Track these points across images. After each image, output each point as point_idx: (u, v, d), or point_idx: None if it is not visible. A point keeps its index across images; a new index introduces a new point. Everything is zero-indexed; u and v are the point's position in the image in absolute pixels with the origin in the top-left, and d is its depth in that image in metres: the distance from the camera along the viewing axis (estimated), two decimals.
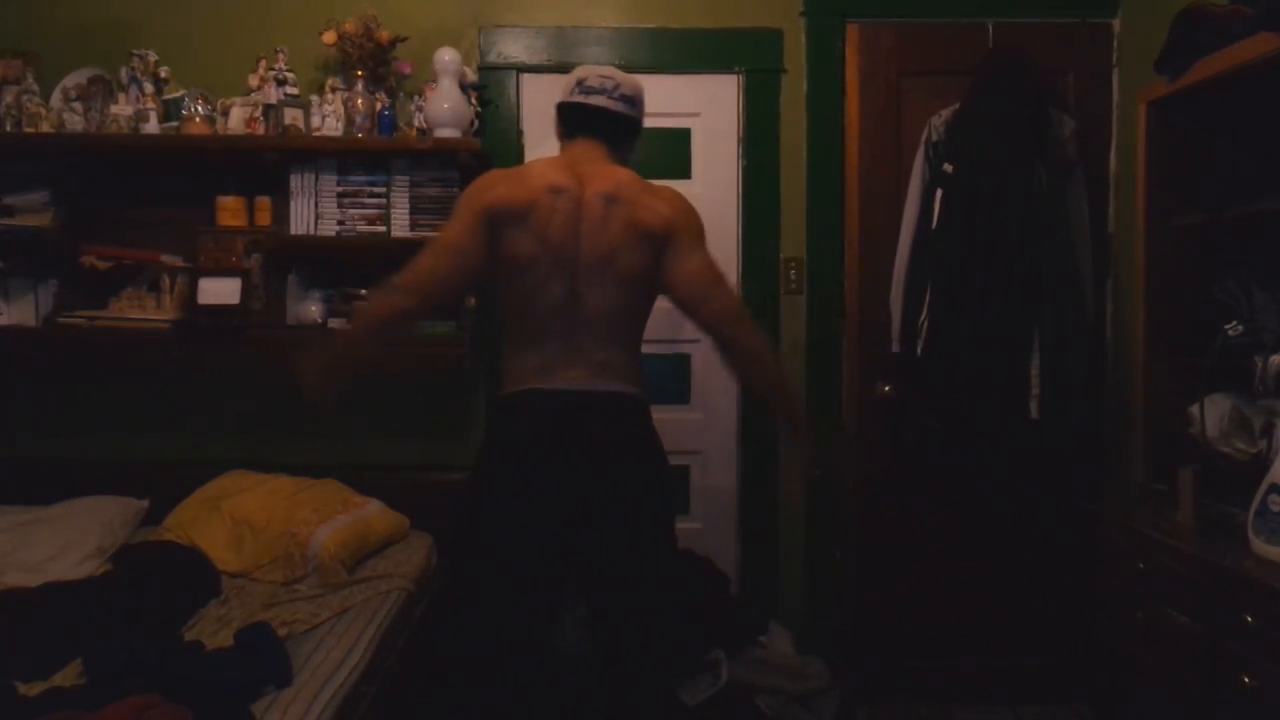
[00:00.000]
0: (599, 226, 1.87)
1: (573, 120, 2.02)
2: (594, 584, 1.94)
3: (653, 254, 1.90)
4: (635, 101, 2.03)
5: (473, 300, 2.72)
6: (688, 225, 1.93)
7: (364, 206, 2.74)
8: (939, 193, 2.62)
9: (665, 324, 2.93)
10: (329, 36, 2.72)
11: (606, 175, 1.92)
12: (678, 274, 1.90)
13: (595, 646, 2.00)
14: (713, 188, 3.00)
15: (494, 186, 1.91)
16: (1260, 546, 1.86)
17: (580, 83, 2.00)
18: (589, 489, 1.85)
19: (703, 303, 1.91)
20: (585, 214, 1.88)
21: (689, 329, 2.93)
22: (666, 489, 2.00)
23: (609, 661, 1.94)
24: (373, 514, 2.63)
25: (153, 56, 2.76)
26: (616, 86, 1.99)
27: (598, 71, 2.03)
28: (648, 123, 2.94)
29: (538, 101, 2.94)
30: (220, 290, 2.67)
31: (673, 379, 3.00)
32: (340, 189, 2.74)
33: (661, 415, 2.76)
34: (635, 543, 1.89)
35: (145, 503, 2.76)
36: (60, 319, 2.72)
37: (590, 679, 1.99)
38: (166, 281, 2.75)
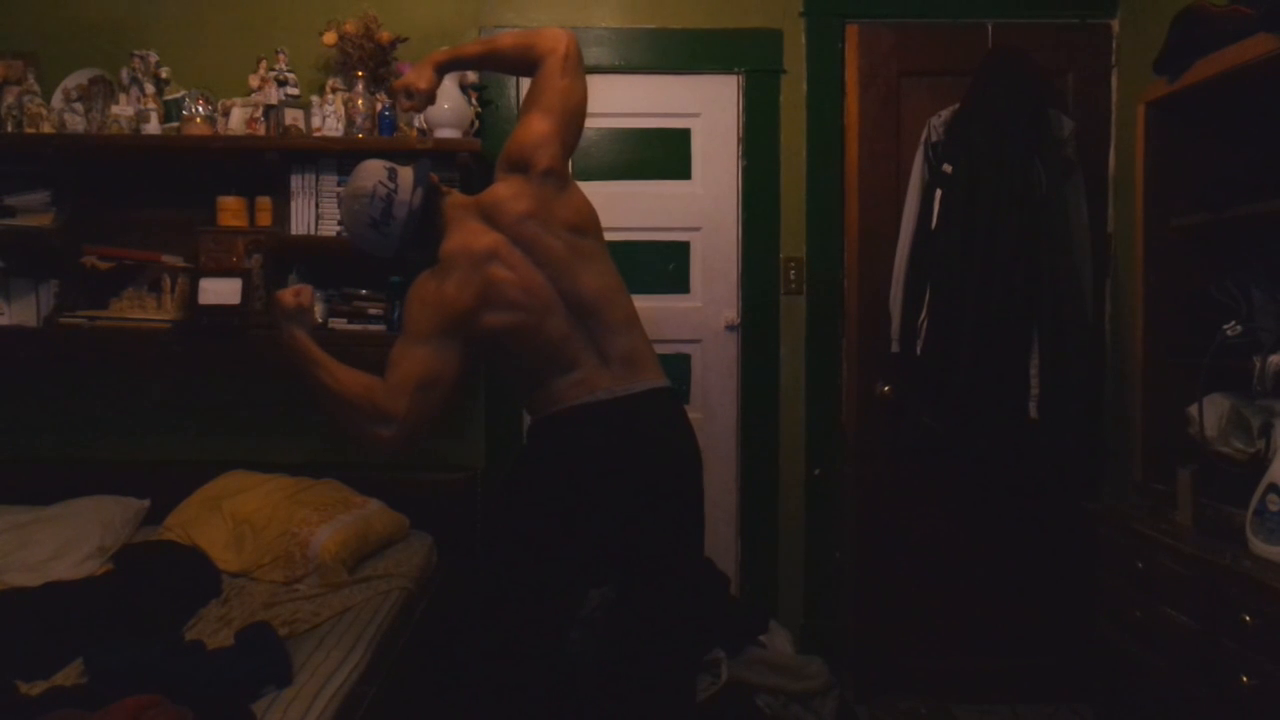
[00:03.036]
0: (543, 234, 1.84)
1: (426, 206, 1.90)
2: (646, 588, 1.87)
3: (580, 203, 1.90)
4: (384, 184, 1.88)
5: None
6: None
7: None
8: (938, 193, 2.62)
9: (666, 324, 2.95)
10: (329, 37, 2.72)
11: (511, 198, 1.86)
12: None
13: (598, 646, 1.98)
14: (713, 188, 3.00)
15: (455, 301, 1.79)
16: (1259, 546, 1.86)
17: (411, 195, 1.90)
18: (668, 498, 1.81)
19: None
20: (530, 245, 1.83)
21: (690, 330, 2.97)
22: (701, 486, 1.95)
23: (638, 661, 1.88)
24: (373, 514, 2.63)
25: (154, 57, 2.77)
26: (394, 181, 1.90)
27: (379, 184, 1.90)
28: (648, 123, 3.01)
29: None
30: (221, 290, 2.67)
31: (673, 379, 2.98)
32: (341, 189, 2.74)
33: None
34: (694, 545, 1.89)
35: (146, 502, 2.76)
36: (61, 319, 2.72)
37: (593, 679, 1.96)
38: (167, 282, 2.76)
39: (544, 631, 1.86)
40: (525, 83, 2.91)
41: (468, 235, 1.84)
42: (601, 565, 1.86)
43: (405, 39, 2.76)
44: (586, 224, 1.90)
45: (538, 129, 1.89)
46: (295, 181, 2.73)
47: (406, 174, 1.89)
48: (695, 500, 1.89)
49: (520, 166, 1.88)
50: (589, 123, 2.93)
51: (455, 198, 1.95)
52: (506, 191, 1.88)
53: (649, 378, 1.87)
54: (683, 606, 1.91)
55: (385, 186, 1.85)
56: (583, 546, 1.82)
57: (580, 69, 1.96)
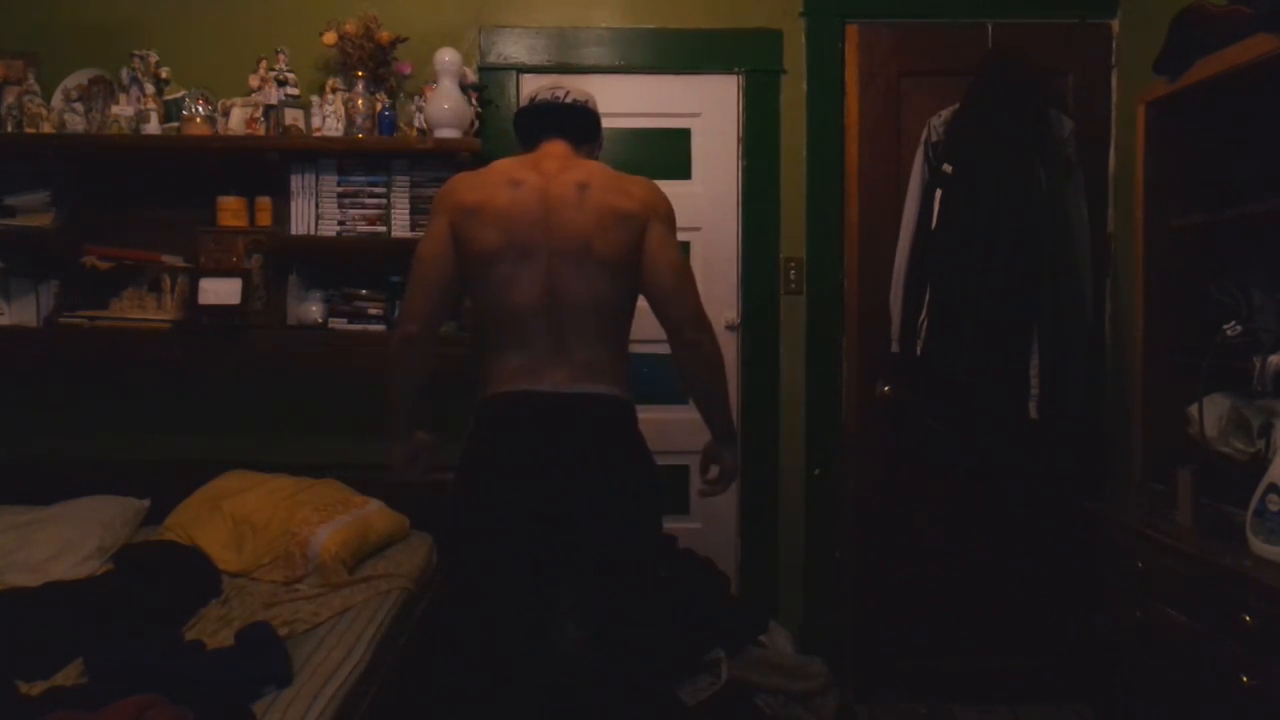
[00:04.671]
0: (573, 213, 1.85)
1: (531, 126, 2.02)
2: (581, 585, 1.92)
3: (630, 236, 1.87)
4: (588, 100, 2.05)
5: (469, 302, 2.72)
6: (664, 211, 1.92)
7: (364, 207, 2.75)
8: (938, 193, 2.62)
9: None
10: (329, 37, 2.72)
11: (576, 166, 1.92)
12: (653, 260, 1.87)
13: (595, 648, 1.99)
14: (713, 188, 3.00)
15: (454, 188, 1.92)
16: (1259, 546, 1.86)
17: (532, 98, 2.05)
18: (571, 490, 1.83)
19: (676, 295, 1.89)
20: (555, 202, 1.86)
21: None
22: (650, 491, 1.95)
23: (604, 662, 1.93)
24: (373, 514, 2.63)
25: (153, 57, 2.76)
26: (567, 93, 2.02)
27: (545, 84, 2.08)
28: (648, 123, 3.00)
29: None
30: (221, 290, 2.67)
31: (673, 379, 3.00)
32: (341, 189, 2.75)
33: (662, 415, 2.80)
34: (617, 545, 1.87)
35: (146, 502, 2.76)
36: (61, 319, 2.72)
37: (590, 680, 1.98)
38: (167, 281, 2.75)
39: (490, 610, 1.88)
40: (526, 82, 2.94)
41: (520, 162, 1.94)
42: (520, 551, 1.86)
43: (405, 39, 2.76)
44: (624, 261, 1.88)
45: (669, 258, 1.90)
46: (295, 181, 2.74)
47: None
48: (612, 498, 1.86)
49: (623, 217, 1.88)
50: None
51: (547, 147, 1.98)
52: (582, 170, 1.91)
53: (594, 384, 1.87)
54: (629, 609, 1.90)
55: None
56: (497, 531, 1.85)
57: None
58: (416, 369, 1.95)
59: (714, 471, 2.10)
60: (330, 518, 2.53)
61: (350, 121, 2.69)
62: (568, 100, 2.01)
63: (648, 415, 2.18)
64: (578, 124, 2.02)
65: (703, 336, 1.91)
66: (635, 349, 2.06)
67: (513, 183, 1.88)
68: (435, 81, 2.67)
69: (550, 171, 1.90)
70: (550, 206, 1.86)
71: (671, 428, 2.81)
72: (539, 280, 1.85)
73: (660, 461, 1.99)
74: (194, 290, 2.68)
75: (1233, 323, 2.08)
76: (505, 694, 1.88)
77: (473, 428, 1.92)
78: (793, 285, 2.96)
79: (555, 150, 1.96)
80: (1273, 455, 1.93)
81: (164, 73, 2.78)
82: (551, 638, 1.98)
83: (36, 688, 1.77)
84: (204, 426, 2.98)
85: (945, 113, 2.70)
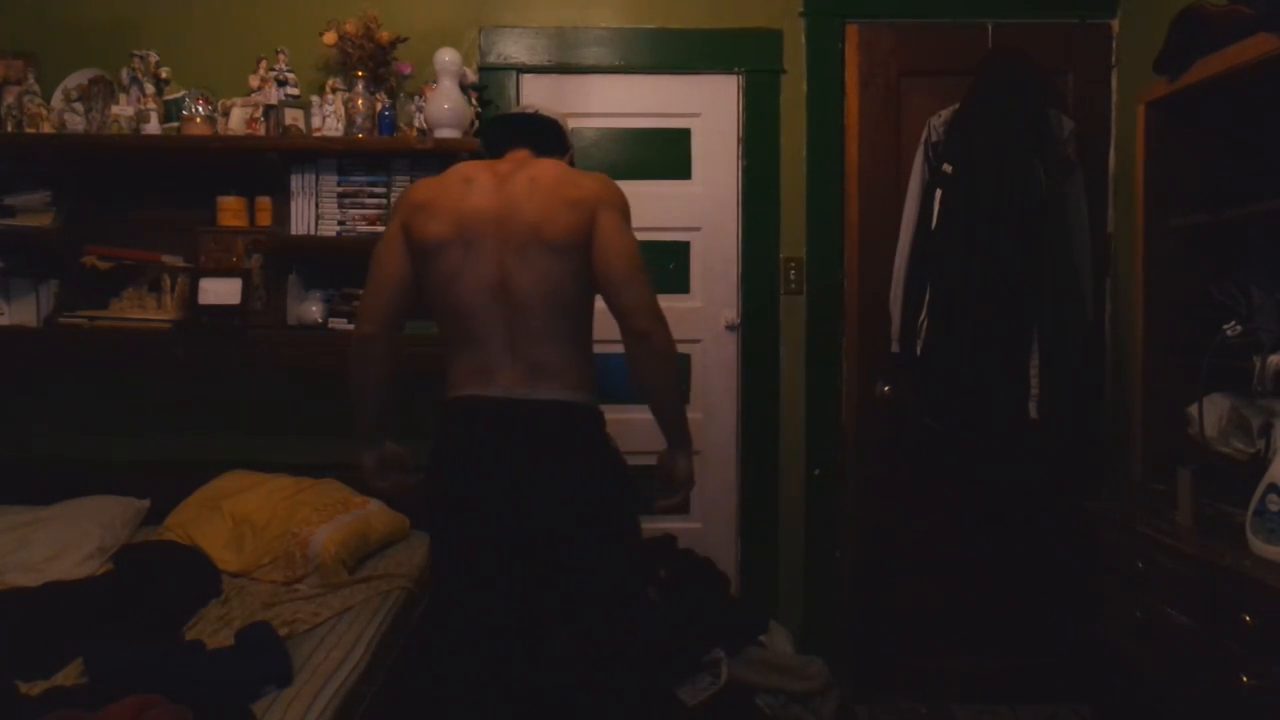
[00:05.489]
0: (523, 203, 1.82)
1: (499, 138, 2.03)
2: (564, 596, 1.89)
3: (579, 220, 1.82)
4: (554, 114, 2.07)
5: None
6: (615, 200, 1.88)
7: (364, 207, 2.75)
8: (938, 193, 2.62)
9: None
10: (329, 37, 2.72)
11: (532, 164, 1.91)
12: (603, 247, 1.82)
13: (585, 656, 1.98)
14: (713, 188, 3.00)
15: (411, 190, 1.92)
16: (1259, 546, 1.86)
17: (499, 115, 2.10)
18: (530, 505, 1.80)
19: (627, 282, 1.82)
20: (506, 196, 1.83)
21: (690, 330, 2.97)
22: (618, 502, 1.89)
23: (596, 668, 1.90)
24: (373, 514, 2.63)
25: (153, 57, 2.76)
26: (536, 109, 2.08)
27: (517, 108, 2.13)
28: (648, 123, 3.00)
29: (538, 102, 2.94)
30: (221, 290, 2.67)
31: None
32: (341, 189, 2.74)
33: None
34: (588, 561, 1.84)
35: (146, 502, 2.76)
36: (61, 319, 2.72)
37: (584, 683, 1.97)
38: (167, 281, 2.75)
39: (461, 612, 1.87)
40: (526, 82, 2.94)
41: (478, 165, 1.95)
42: (483, 554, 1.84)
43: (405, 39, 2.76)
44: (574, 246, 1.83)
45: (620, 246, 1.86)
46: (295, 181, 2.73)
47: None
48: (570, 503, 1.82)
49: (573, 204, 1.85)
50: (590, 123, 2.98)
51: (510, 156, 1.98)
52: (536, 166, 1.90)
53: (549, 388, 1.82)
54: (604, 616, 1.88)
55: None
56: (459, 537, 1.85)
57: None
58: (376, 370, 1.94)
59: (672, 493, 1.99)
60: (330, 518, 2.53)
61: (350, 121, 2.69)
62: (529, 111, 2.06)
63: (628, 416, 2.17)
64: (540, 133, 2.02)
65: (655, 328, 1.84)
66: (609, 348, 2.01)
67: (465, 179, 1.88)
68: (435, 81, 2.67)
69: (505, 171, 1.89)
70: (501, 200, 1.84)
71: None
72: (488, 272, 1.81)
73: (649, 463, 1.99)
74: (194, 290, 2.68)
75: (1232, 323, 2.08)
76: (483, 698, 1.87)
77: (435, 432, 1.90)
78: (793, 285, 2.96)
79: (517, 156, 1.96)
80: (1273, 455, 1.93)
81: (164, 73, 2.78)
82: (543, 642, 1.97)
83: (36, 688, 1.77)
84: (204, 426, 2.98)
85: (945, 113, 2.70)
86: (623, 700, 1.90)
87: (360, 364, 1.94)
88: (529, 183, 1.85)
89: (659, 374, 1.87)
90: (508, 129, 2.04)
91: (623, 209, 1.89)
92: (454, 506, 1.85)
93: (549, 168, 1.90)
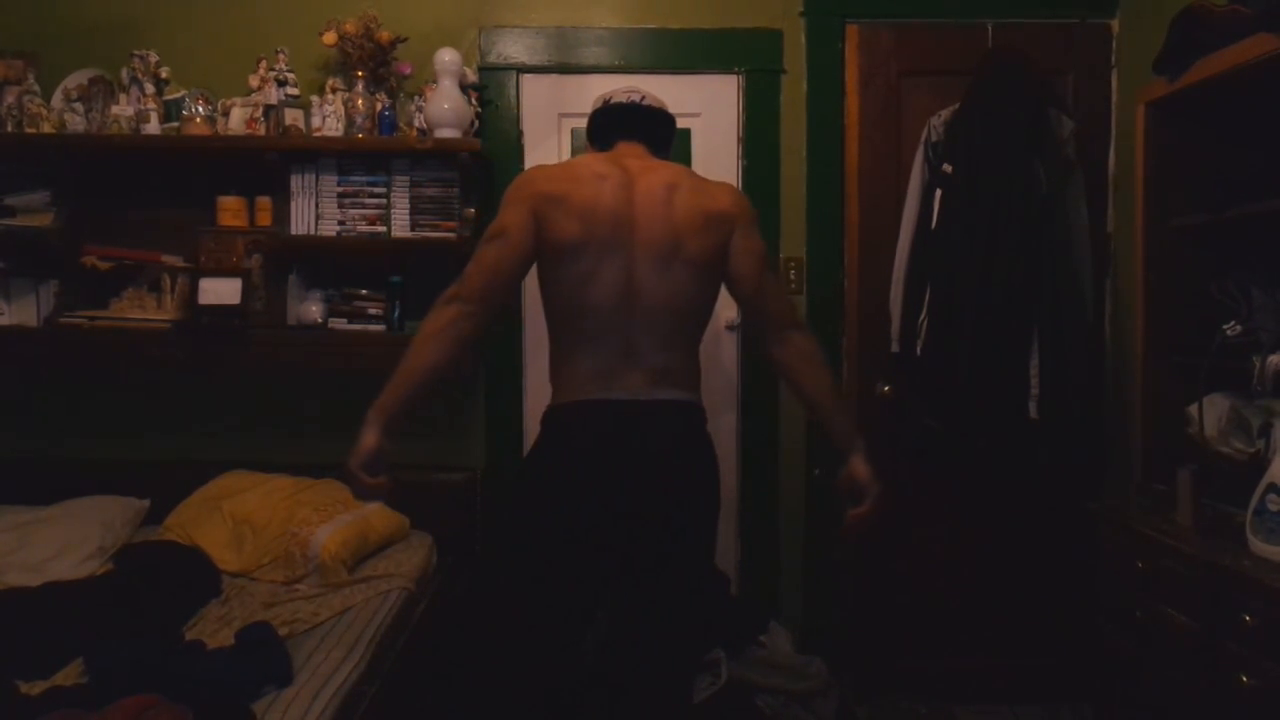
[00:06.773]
0: (661, 211, 1.81)
1: (608, 127, 2.01)
2: (633, 596, 1.85)
3: (720, 239, 1.84)
4: (665, 106, 2.07)
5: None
6: (751, 214, 1.92)
7: (364, 207, 2.74)
8: (938, 193, 2.62)
9: None
10: (329, 37, 2.72)
11: (660, 167, 1.91)
12: (744, 259, 1.86)
13: (605, 655, 1.96)
14: None
15: (535, 178, 1.88)
16: (1259, 546, 1.86)
17: (607, 99, 2.04)
18: (645, 503, 1.78)
19: (771, 291, 1.89)
20: (642, 200, 1.82)
21: None
22: (717, 503, 1.89)
23: (634, 671, 1.86)
24: (373, 513, 2.63)
25: (153, 57, 2.76)
26: (644, 96, 2.04)
27: (620, 87, 2.08)
28: None
29: (538, 102, 2.95)
30: (221, 290, 2.67)
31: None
32: (341, 189, 2.74)
33: None
34: (684, 557, 1.83)
35: (146, 502, 2.76)
36: (61, 319, 2.72)
37: (604, 688, 1.95)
38: (167, 281, 2.76)
39: (540, 632, 1.84)
40: (526, 82, 2.94)
41: (602, 158, 1.91)
42: (586, 565, 1.82)
43: (405, 39, 2.76)
44: (713, 264, 1.85)
45: (760, 257, 1.90)
46: (295, 181, 2.73)
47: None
48: (686, 511, 1.83)
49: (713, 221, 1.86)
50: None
51: (624, 148, 1.96)
52: (668, 171, 1.90)
53: (670, 389, 1.82)
54: (679, 623, 1.86)
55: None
56: (567, 545, 1.80)
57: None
58: (450, 351, 1.76)
59: (862, 502, 1.89)
60: (330, 518, 2.53)
61: (350, 121, 2.69)
62: (645, 104, 2.01)
63: None
64: (656, 128, 2.02)
65: (805, 331, 1.90)
66: None
67: (598, 176, 1.83)
68: (435, 81, 2.67)
69: (634, 170, 1.87)
70: (636, 204, 1.82)
71: None
72: (619, 278, 1.79)
73: None
74: (194, 290, 2.68)
75: (1232, 323, 2.08)
76: (533, 703, 1.85)
77: (541, 437, 1.86)
78: (793, 285, 2.96)
79: (634, 151, 1.95)
80: (1272, 455, 1.93)
81: (164, 73, 2.78)
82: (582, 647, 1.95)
83: (36, 688, 1.77)
84: (204, 426, 2.98)
85: (945, 112, 2.70)
86: (678, 685, 1.89)
87: (436, 340, 1.75)
88: (666, 190, 1.84)
89: (826, 372, 1.91)
90: (623, 120, 2.00)
91: (756, 219, 1.94)
92: (559, 514, 1.79)
93: (683, 175, 1.91)
